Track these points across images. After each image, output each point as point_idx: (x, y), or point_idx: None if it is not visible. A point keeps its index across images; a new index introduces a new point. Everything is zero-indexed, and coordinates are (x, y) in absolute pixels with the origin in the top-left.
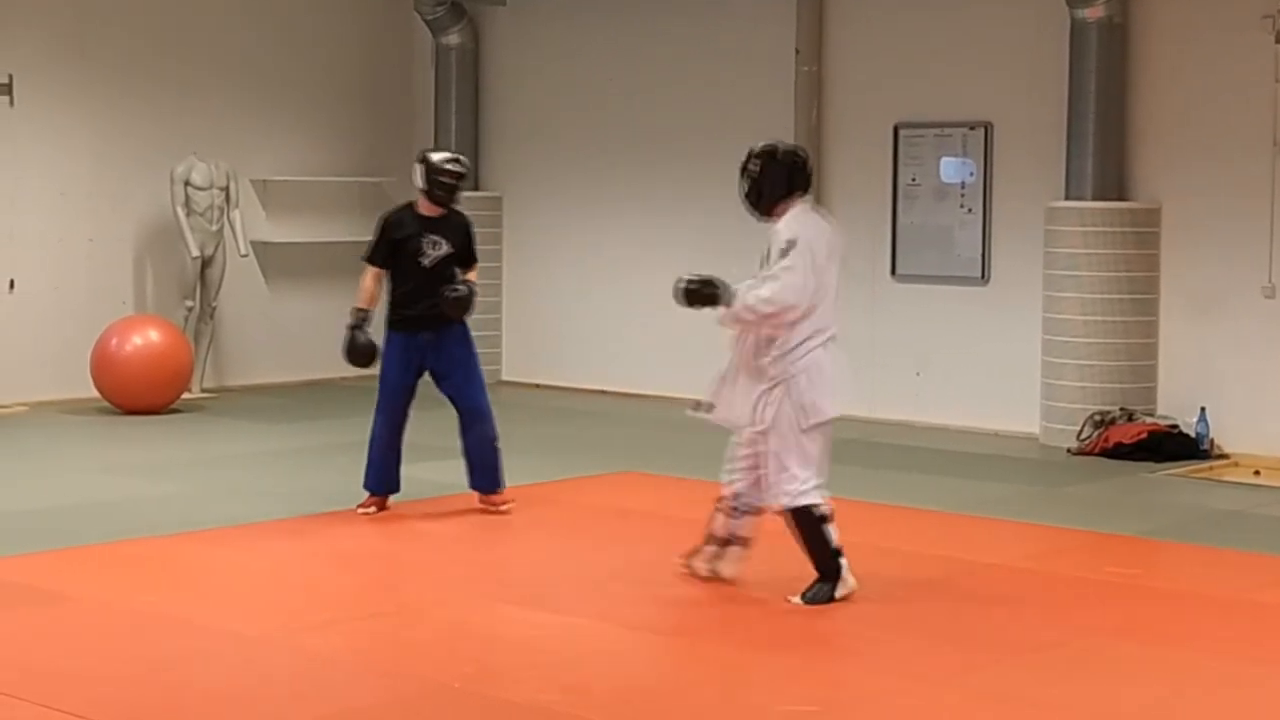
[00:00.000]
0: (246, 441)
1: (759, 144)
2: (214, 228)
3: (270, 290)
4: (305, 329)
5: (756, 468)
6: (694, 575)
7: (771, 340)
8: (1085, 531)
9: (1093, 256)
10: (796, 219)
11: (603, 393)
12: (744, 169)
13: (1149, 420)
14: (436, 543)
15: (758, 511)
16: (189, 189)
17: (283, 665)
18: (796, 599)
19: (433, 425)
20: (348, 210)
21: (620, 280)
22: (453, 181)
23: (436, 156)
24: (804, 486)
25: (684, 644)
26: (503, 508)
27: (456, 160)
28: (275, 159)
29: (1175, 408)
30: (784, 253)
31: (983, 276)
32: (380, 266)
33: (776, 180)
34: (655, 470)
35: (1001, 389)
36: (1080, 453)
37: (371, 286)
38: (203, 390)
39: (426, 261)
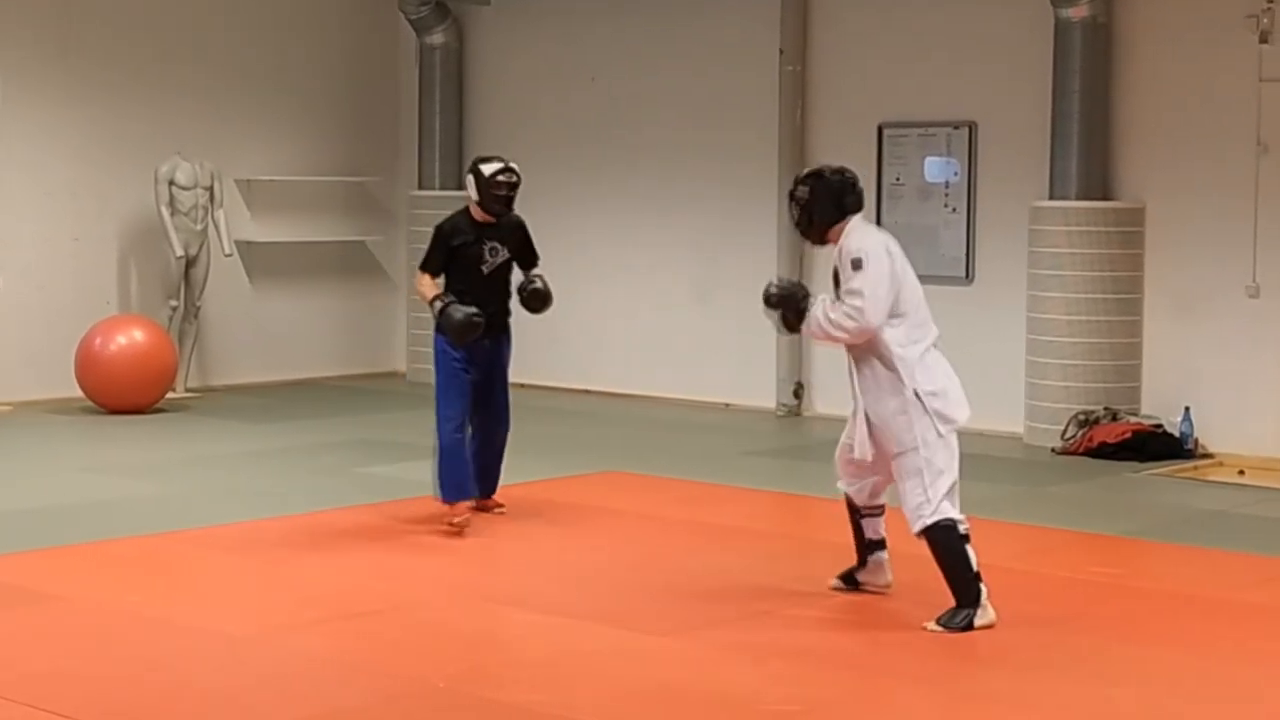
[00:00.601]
0: (231, 441)
1: (805, 168)
2: (198, 227)
3: (254, 290)
4: (289, 329)
5: (867, 476)
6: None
7: (883, 356)
8: (1070, 531)
9: (1077, 256)
10: (858, 231)
11: (588, 392)
12: (791, 195)
13: (1133, 420)
14: (423, 542)
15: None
16: (173, 189)
17: (270, 665)
18: (934, 625)
19: (419, 425)
20: (332, 210)
21: (606, 280)
22: (507, 193)
23: (488, 169)
24: (938, 502)
25: (670, 644)
26: (496, 510)
27: (509, 169)
28: (259, 158)
29: (1160, 407)
30: (855, 265)
31: (967, 276)
32: (436, 274)
33: (826, 203)
34: (641, 470)
35: (986, 388)
36: (1065, 452)
37: (431, 283)
38: (187, 390)
39: (486, 269)
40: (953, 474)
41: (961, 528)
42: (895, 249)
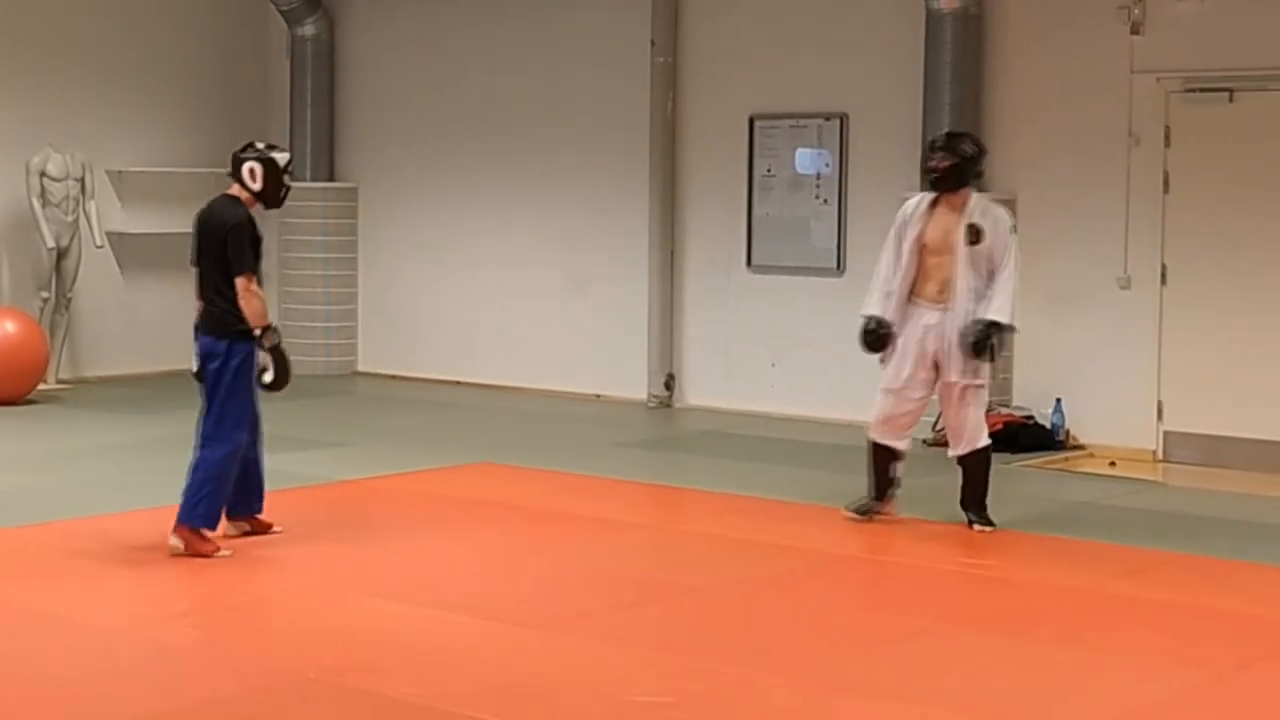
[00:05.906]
0: (103, 432)
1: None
2: (69, 218)
3: (126, 281)
4: (161, 320)
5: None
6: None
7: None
8: (940, 523)
9: None
10: (986, 201)
11: (458, 384)
12: (949, 146)
13: (1005, 411)
14: (293, 534)
15: None
16: (44, 180)
17: (140, 656)
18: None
19: (292, 417)
20: (203, 201)
21: (475, 270)
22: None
23: (281, 158)
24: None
25: (541, 636)
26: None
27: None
28: (131, 150)
29: (1031, 399)
30: (1014, 230)
31: (838, 267)
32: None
33: (976, 165)
34: (512, 461)
35: (855, 380)
36: (936, 444)
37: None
38: (58, 381)
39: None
40: None
41: None
42: None
